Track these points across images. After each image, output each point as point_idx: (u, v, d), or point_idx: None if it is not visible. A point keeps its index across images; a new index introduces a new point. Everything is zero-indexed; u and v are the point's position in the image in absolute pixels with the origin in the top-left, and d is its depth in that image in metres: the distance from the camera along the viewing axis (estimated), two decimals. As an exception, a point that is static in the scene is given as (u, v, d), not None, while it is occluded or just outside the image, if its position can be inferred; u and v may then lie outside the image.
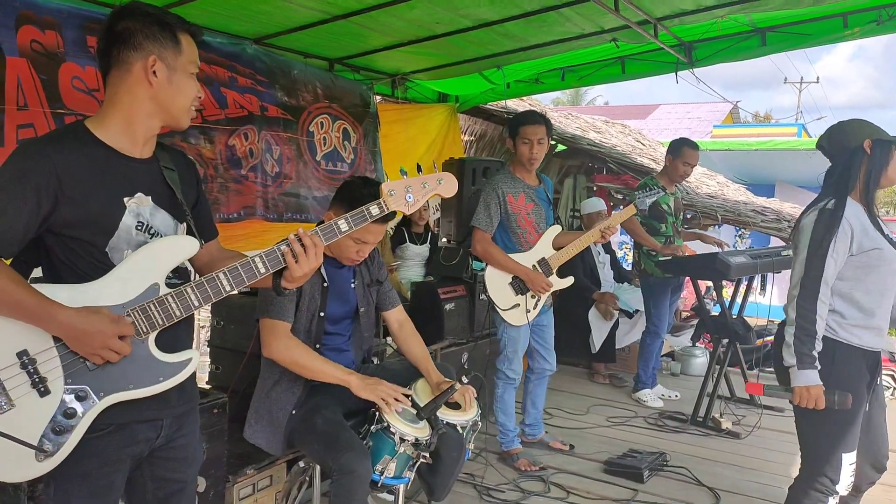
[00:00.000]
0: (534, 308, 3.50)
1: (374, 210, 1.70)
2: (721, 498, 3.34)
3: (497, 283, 3.45)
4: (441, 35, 4.12)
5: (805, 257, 2.28)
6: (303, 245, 1.59)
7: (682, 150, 4.65)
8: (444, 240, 5.84)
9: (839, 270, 2.29)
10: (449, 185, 1.81)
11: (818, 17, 4.16)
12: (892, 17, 3.86)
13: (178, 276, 1.61)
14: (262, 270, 1.58)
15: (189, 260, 1.70)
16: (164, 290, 1.51)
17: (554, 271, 3.50)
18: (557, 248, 3.51)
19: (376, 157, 5.14)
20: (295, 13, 3.64)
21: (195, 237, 1.61)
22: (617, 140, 7.77)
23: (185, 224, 1.65)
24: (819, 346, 2.26)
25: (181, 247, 1.57)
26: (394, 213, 2.34)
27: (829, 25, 4.16)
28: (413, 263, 5.25)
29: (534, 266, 3.46)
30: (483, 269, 4.39)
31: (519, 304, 3.45)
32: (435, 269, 4.53)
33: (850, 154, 2.38)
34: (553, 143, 6.52)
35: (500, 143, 7.36)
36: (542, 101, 8.73)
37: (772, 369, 6.56)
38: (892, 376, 5.54)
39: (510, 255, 3.44)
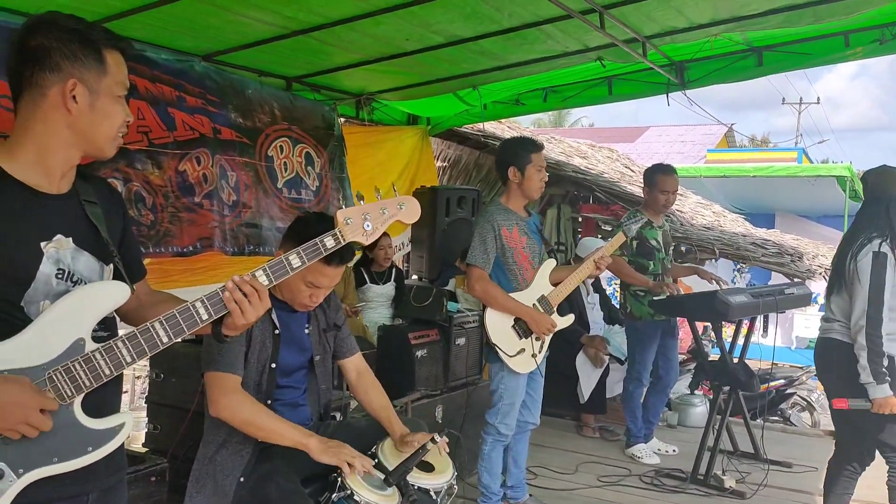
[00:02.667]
0: (539, 351, 3.50)
1: (329, 242, 1.65)
2: (726, 567, 3.31)
3: (499, 328, 3.43)
4: (410, 52, 4.15)
5: (868, 294, 3.02)
6: (243, 293, 1.55)
7: (655, 179, 4.71)
8: (415, 277, 5.82)
9: None
10: (410, 211, 1.78)
11: (818, 36, 4.29)
12: (895, 36, 3.99)
13: (105, 327, 1.55)
14: (205, 317, 1.53)
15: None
16: (90, 345, 1.44)
17: (555, 309, 3.52)
18: (554, 283, 3.52)
19: (344, 183, 5.12)
20: (248, 28, 3.64)
21: (125, 281, 1.55)
22: (604, 166, 7.87)
23: (111, 266, 1.59)
24: (886, 362, 3.00)
25: (108, 294, 1.51)
26: (352, 254, 2.31)
27: (829, 44, 4.29)
28: (378, 304, 5.20)
29: (534, 305, 3.46)
30: (459, 311, 4.38)
31: (524, 349, 3.44)
32: (404, 311, 4.48)
33: (889, 207, 3.11)
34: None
35: (475, 170, 7.40)
36: (521, 123, 8.85)
37: (776, 418, 6.57)
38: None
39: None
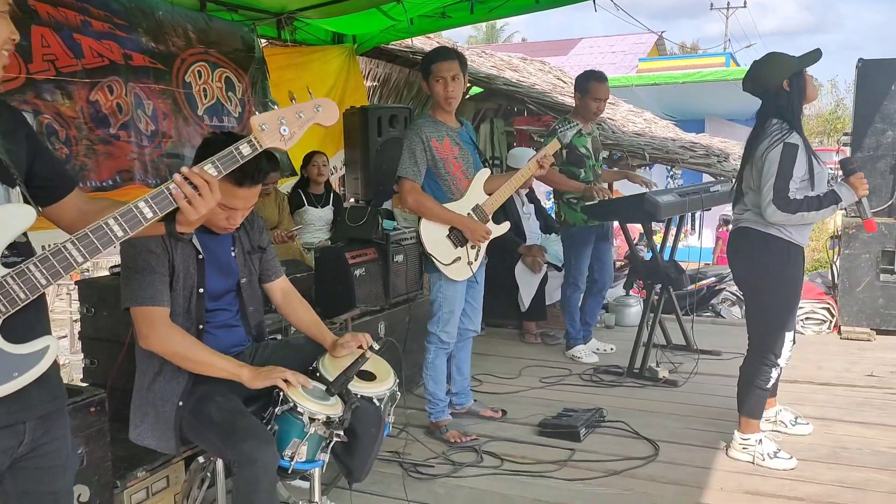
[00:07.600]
0: (475, 259, 3.55)
1: (245, 149, 1.61)
2: (660, 448, 3.51)
3: (434, 237, 3.45)
4: (329, -36, 4.00)
5: (773, 183, 3.02)
6: (194, 185, 1.54)
7: (587, 86, 4.70)
8: (352, 200, 5.78)
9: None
10: (328, 112, 1.74)
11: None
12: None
13: (17, 252, 1.51)
14: (150, 216, 1.50)
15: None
16: (1, 271, 1.41)
17: (489, 218, 3.55)
18: (489, 192, 3.55)
19: (268, 108, 4.98)
20: (151, -58, 3.43)
21: (31, 204, 1.50)
22: (536, 79, 7.84)
23: (17, 189, 1.53)
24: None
25: (14, 217, 1.46)
26: (264, 175, 2.27)
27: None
28: (315, 228, 5.16)
29: (469, 214, 3.49)
30: (395, 229, 4.39)
31: (460, 258, 3.48)
32: (340, 232, 4.45)
33: (776, 97, 3.12)
34: (467, 84, 6.50)
35: (406, 88, 7.28)
36: (453, 39, 8.68)
37: (709, 314, 6.82)
38: (828, 309, 5.97)
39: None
